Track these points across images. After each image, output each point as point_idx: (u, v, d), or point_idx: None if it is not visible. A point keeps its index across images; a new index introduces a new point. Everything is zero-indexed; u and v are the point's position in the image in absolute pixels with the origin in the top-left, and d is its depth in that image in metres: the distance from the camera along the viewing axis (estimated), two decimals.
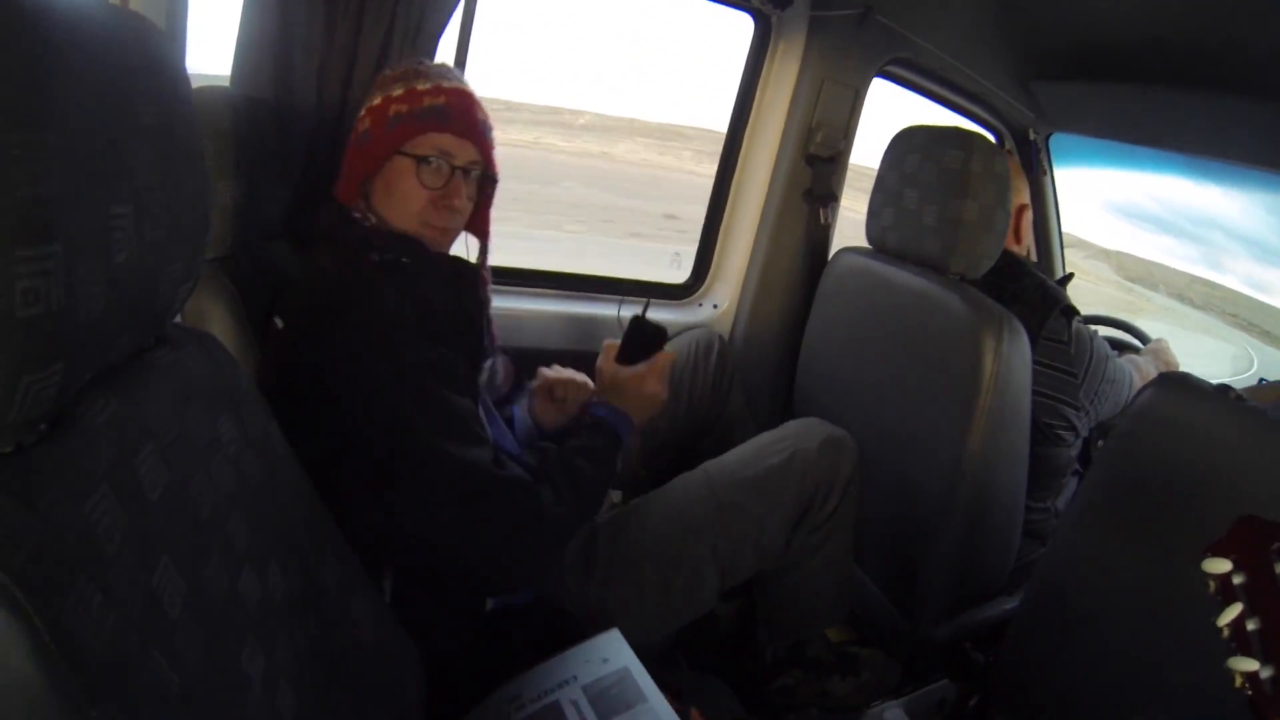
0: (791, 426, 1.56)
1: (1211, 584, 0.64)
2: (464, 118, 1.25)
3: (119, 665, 0.50)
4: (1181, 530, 1.11)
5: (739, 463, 1.50)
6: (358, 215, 1.25)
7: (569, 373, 1.48)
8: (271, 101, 1.34)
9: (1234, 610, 0.62)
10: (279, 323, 1.15)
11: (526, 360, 1.55)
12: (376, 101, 1.25)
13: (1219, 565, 0.64)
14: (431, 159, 1.22)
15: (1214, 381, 1.17)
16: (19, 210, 0.46)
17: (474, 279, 1.32)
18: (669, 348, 1.51)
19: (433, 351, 1.14)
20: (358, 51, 1.39)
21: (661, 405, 1.42)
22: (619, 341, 1.43)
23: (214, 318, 1.07)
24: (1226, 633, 0.63)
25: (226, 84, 1.37)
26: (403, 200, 1.23)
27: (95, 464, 0.55)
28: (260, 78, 1.35)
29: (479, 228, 1.38)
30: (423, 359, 1.12)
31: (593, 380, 1.45)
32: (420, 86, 1.24)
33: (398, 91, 1.24)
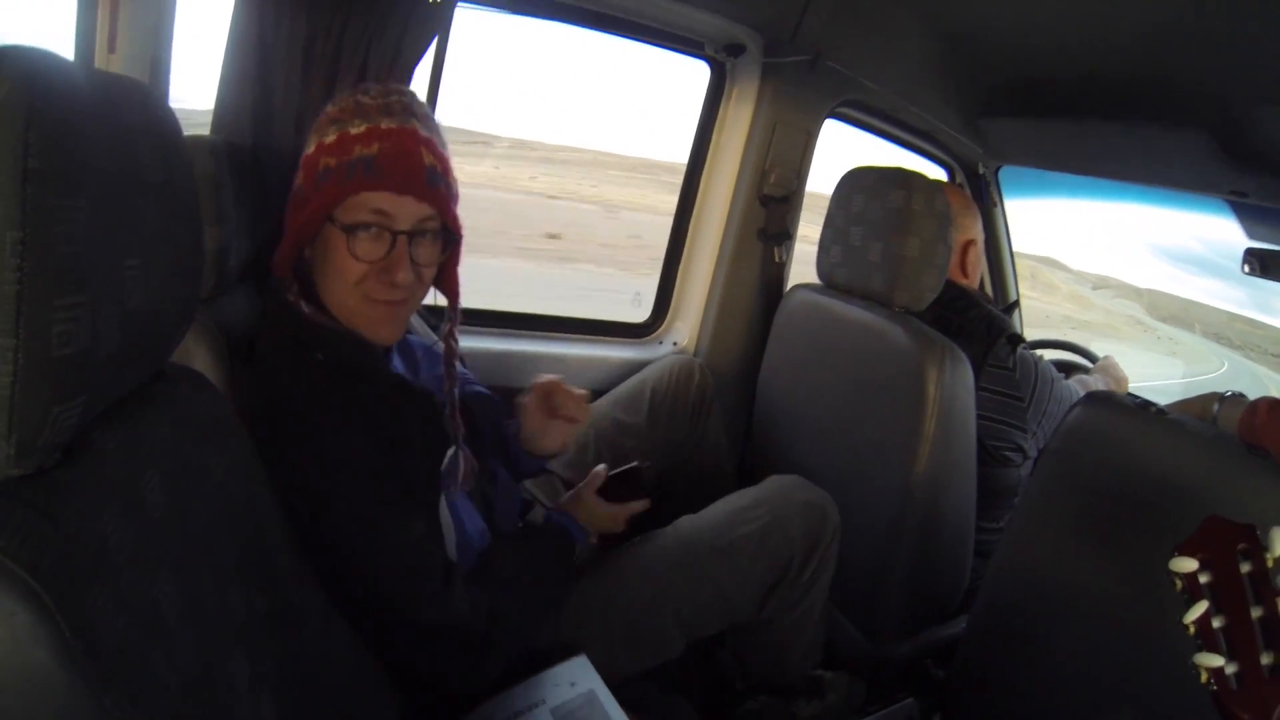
0: (771, 486, 1.52)
1: (1178, 582, 0.66)
2: (401, 168, 1.05)
3: (127, 662, 0.56)
4: (1115, 537, 1.18)
5: (713, 528, 1.44)
6: (290, 299, 1.10)
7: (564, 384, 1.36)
8: (251, 145, 1.35)
9: (1200, 608, 0.64)
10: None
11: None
12: (311, 149, 1.09)
13: (1186, 564, 0.65)
14: (368, 225, 1.05)
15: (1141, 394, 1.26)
16: (57, 265, 0.52)
17: (427, 401, 1.16)
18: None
19: (381, 468, 1.04)
20: (334, 90, 1.34)
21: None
22: (607, 472, 1.40)
23: (197, 355, 1.08)
24: (1192, 630, 0.64)
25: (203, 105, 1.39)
26: (339, 274, 1.07)
27: (106, 485, 0.61)
28: (240, 122, 1.36)
29: (448, 288, 1.24)
30: (368, 486, 1.03)
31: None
32: (353, 129, 1.05)
33: (330, 137, 1.06)
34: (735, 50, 2.02)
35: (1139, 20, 1.54)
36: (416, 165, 1.05)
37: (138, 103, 0.68)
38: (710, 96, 2.13)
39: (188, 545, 0.70)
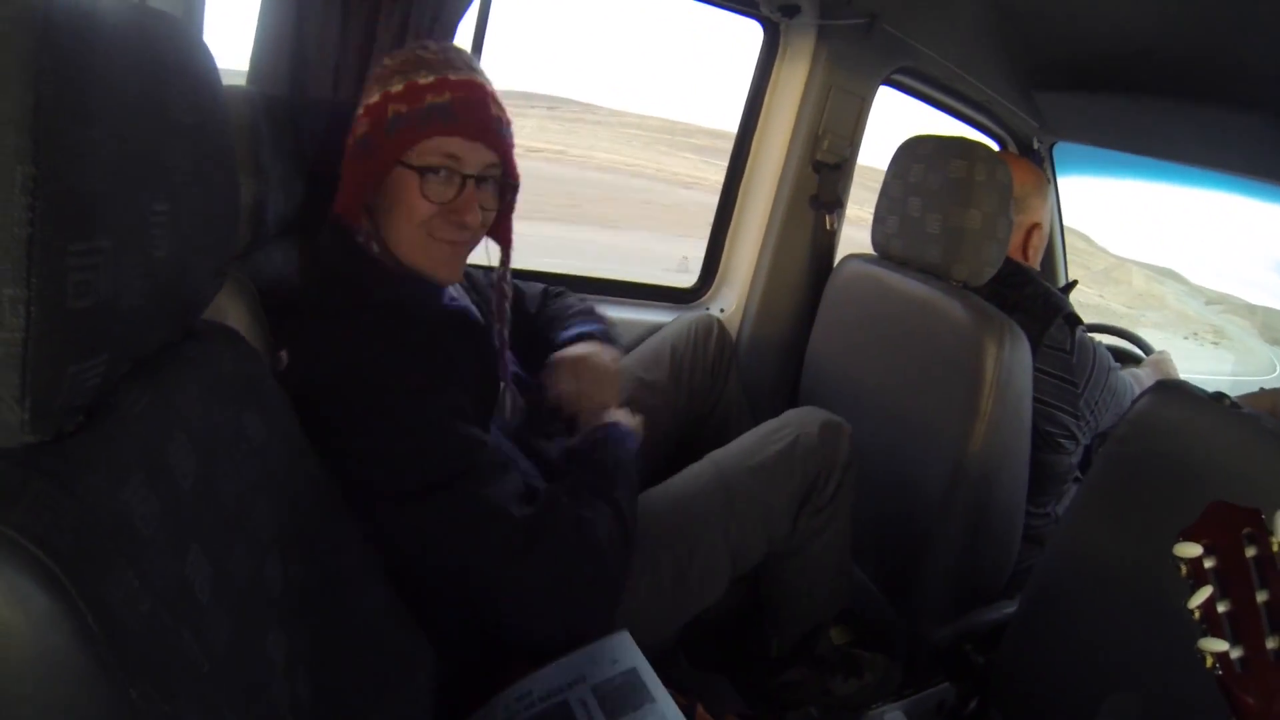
0: (791, 414, 1.55)
1: (1183, 568, 0.66)
2: (474, 116, 1.11)
3: (155, 646, 0.52)
4: (1178, 532, 1.13)
5: (744, 451, 1.48)
6: (361, 240, 1.16)
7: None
8: (287, 98, 1.33)
9: (1205, 593, 0.64)
10: (284, 357, 1.06)
11: None
12: (374, 99, 1.13)
13: (1190, 550, 0.66)
14: (438, 169, 1.10)
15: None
16: (74, 205, 0.48)
17: (484, 335, 1.23)
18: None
19: (440, 400, 1.06)
20: (373, 45, 1.35)
21: (608, 368, 1.43)
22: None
23: (231, 313, 1.05)
24: (1197, 615, 0.64)
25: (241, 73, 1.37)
26: (407, 214, 1.11)
27: (131, 452, 0.57)
28: (277, 74, 1.34)
29: (501, 235, 1.29)
30: (428, 416, 1.04)
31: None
32: (422, 80, 1.10)
33: (397, 87, 1.10)
34: (790, 10, 1.95)
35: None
36: (487, 114, 1.12)
37: (171, 37, 0.63)
38: (763, 58, 2.08)
39: (220, 516, 0.67)
